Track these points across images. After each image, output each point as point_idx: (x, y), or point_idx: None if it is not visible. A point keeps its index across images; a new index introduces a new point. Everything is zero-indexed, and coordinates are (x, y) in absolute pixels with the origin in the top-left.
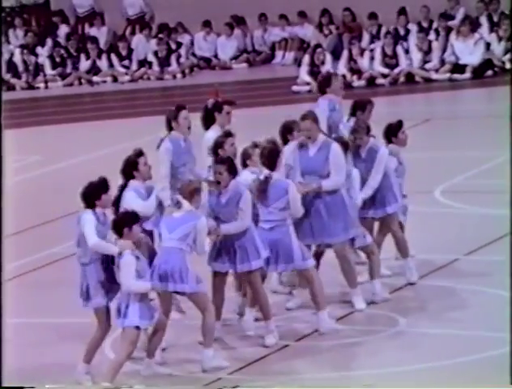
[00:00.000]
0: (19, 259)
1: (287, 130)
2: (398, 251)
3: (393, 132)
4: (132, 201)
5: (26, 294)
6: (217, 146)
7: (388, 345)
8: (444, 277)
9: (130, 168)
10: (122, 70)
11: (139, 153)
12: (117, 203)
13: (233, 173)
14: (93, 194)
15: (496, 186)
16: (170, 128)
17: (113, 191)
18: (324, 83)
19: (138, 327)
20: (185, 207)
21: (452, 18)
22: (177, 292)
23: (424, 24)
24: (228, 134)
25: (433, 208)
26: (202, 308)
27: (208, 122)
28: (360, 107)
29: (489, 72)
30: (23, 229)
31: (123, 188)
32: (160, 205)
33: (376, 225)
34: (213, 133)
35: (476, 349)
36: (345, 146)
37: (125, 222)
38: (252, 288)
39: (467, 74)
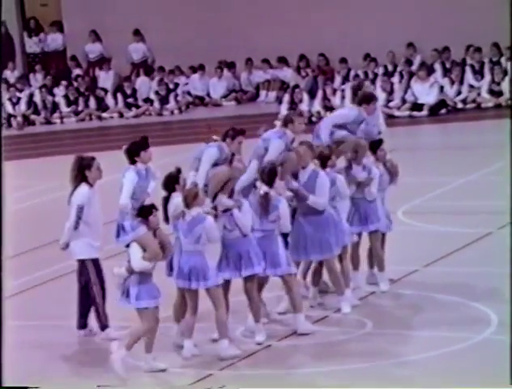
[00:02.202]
0: (42, 269)
1: None
2: (376, 265)
3: (373, 149)
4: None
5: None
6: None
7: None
8: (405, 286)
9: (172, 182)
10: (127, 107)
11: (179, 170)
12: (165, 212)
13: None
14: (133, 151)
15: (450, 207)
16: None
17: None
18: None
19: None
20: (192, 213)
21: (412, 63)
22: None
23: (390, 68)
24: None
25: (395, 226)
26: (217, 303)
27: None
28: None
29: (443, 110)
30: (45, 243)
31: (167, 199)
32: None
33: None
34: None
35: (435, 347)
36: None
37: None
38: (247, 293)
39: (425, 112)
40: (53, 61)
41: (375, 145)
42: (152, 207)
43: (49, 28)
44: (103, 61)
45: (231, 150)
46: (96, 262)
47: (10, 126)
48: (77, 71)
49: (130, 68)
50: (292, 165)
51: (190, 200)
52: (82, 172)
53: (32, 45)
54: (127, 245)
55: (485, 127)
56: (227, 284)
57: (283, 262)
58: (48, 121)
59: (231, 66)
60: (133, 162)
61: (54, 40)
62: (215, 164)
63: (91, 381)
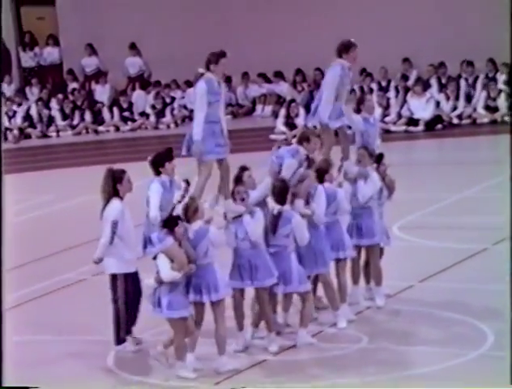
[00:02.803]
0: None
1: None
2: (373, 280)
3: (376, 161)
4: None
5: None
6: (237, 179)
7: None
8: (400, 301)
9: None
10: (123, 121)
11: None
12: None
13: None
14: (158, 162)
15: (445, 223)
16: None
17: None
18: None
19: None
20: (194, 228)
21: (408, 78)
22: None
23: (383, 83)
24: (244, 169)
25: (391, 241)
26: (220, 317)
27: None
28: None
29: (439, 126)
30: (39, 258)
31: None
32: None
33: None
34: None
35: (430, 363)
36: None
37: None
38: (258, 303)
39: (420, 127)
40: (49, 75)
41: (376, 160)
42: (178, 218)
43: (45, 42)
44: (99, 75)
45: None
46: (127, 277)
47: (6, 139)
48: (73, 85)
49: (127, 82)
50: (309, 184)
51: (191, 214)
52: (114, 185)
53: (28, 60)
54: (154, 257)
55: (481, 143)
56: (241, 293)
57: (294, 279)
58: (44, 135)
59: (227, 80)
60: (157, 173)
61: (51, 54)
62: None
63: (91, 380)
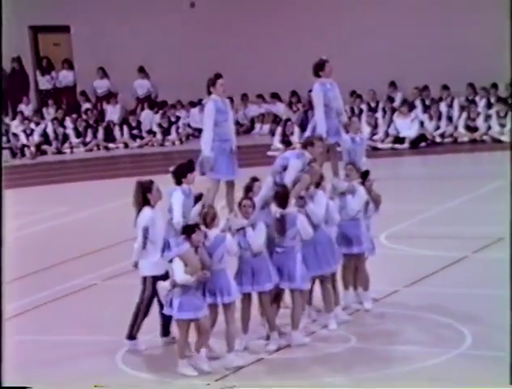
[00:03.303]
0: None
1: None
2: (361, 285)
3: (362, 178)
4: None
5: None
6: (248, 189)
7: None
8: (387, 305)
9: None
10: (132, 138)
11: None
12: None
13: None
14: (180, 173)
15: (428, 233)
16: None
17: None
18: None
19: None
20: (212, 235)
21: (394, 100)
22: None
23: (372, 105)
24: (254, 180)
25: (378, 250)
26: (231, 317)
27: None
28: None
29: (423, 144)
30: (52, 265)
31: None
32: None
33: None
34: None
35: (414, 361)
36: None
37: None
38: (261, 306)
39: (406, 145)
40: (64, 96)
41: (363, 176)
42: (196, 226)
43: (60, 66)
44: (110, 96)
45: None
46: (156, 279)
47: (23, 155)
48: (86, 105)
49: (136, 102)
50: (304, 185)
51: (209, 221)
52: (144, 195)
53: (45, 83)
54: (170, 261)
55: (461, 159)
56: (248, 297)
57: (297, 277)
58: (59, 151)
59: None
60: (179, 183)
61: (65, 77)
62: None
63: (89, 381)
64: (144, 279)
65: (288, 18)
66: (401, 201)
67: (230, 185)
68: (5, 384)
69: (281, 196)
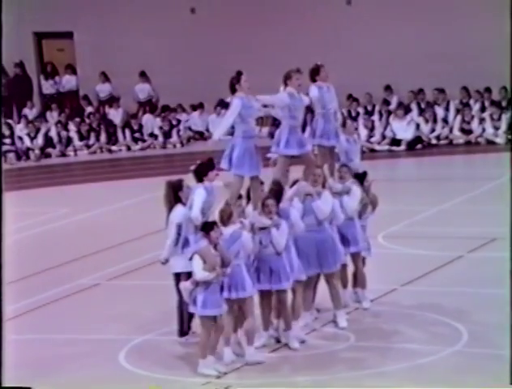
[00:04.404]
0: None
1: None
2: (359, 284)
3: (359, 180)
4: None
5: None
6: (273, 193)
7: (342, 356)
8: (384, 303)
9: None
10: (134, 141)
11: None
12: None
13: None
14: (202, 171)
15: (425, 233)
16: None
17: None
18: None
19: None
20: (229, 231)
21: (390, 103)
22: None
23: (369, 108)
24: (278, 184)
25: (376, 249)
26: (249, 312)
27: None
28: None
29: (419, 146)
30: (56, 265)
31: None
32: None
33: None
34: None
35: (411, 358)
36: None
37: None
38: (279, 304)
39: (402, 147)
40: (67, 101)
41: (361, 177)
42: (214, 224)
43: (63, 71)
44: (112, 100)
45: None
46: (189, 275)
47: (28, 158)
48: (89, 109)
49: (137, 106)
50: (300, 191)
51: (226, 219)
52: (175, 194)
53: (48, 87)
54: (190, 258)
55: (457, 161)
56: (267, 295)
57: (295, 269)
58: (62, 154)
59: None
60: (200, 180)
61: (69, 82)
62: None
63: (93, 381)
64: (177, 275)
65: (286, 23)
66: (398, 202)
67: (255, 181)
68: (5, 384)
69: (275, 193)
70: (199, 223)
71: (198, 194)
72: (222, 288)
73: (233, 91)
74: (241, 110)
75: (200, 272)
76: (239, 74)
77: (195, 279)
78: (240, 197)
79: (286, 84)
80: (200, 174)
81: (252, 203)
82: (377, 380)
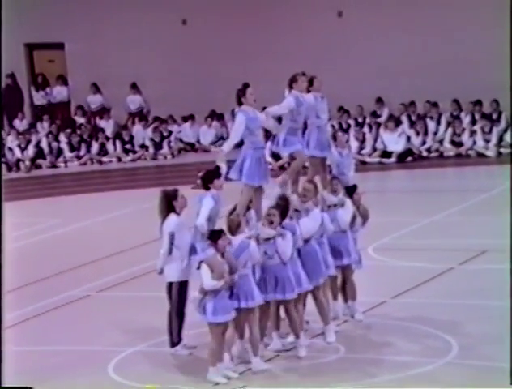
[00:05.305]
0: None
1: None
2: (350, 296)
3: (349, 193)
4: None
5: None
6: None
7: (332, 368)
8: (374, 315)
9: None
10: (125, 152)
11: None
12: None
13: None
14: (207, 178)
15: (416, 245)
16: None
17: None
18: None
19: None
20: (237, 241)
21: (379, 116)
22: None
23: (360, 120)
24: (285, 198)
25: (366, 261)
26: (254, 322)
27: None
28: None
29: (410, 158)
30: (47, 276)
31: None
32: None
33: None
34: None
35: (401, 370)
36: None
37: (216, 234)
38: (286, 313)
39: (393, 159)
40: (58, 112)
41: (351, 190)
42: (221, 232)
43: (54, 82)
44: (103, 111)
45: None
46: (182, 285)
47: (18, 169)
48: (80, 120)
49: (127, 117)
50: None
51: (234, 228)
52: (169, 203)
53: (40, 98)
54: (198, 267)
55: (447, 173)
56: (267, 305)
57: (303, 280)
58: (53, 165)
59: (220, 117)
60: (207, 188)
61: (60, 93)
62: None
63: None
64: (170, 285)
65: (278, 35)
66: (388, 214)
67: (259, 191)
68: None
69: (282, 209)
70: (205, 231)
71: (205, 203)
72: (230, 297)
73: (240, 103)
74: (248, 123)
75: (209, 281)
76: (245, 86)
77: (204, 289)
78: (248, 208)
79: (291, 87)
80: (206, 182)
81: (254, 211)
82: None
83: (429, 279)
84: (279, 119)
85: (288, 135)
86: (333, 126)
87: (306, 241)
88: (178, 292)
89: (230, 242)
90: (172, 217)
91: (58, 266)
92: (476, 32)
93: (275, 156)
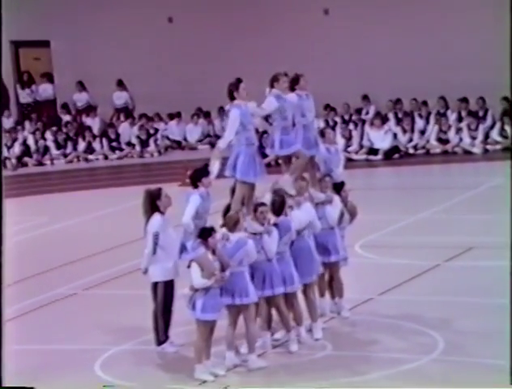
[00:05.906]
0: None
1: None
2: (336, 293)
3: (337, 190)
4: None
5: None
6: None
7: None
8: (361, 312)
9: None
10: (111, 150)
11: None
12: None
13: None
14: (196, 177)
15: (402, 242)
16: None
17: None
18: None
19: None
20: (234, 238)
21: (366, 113)
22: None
23: (346, 117)
24: (282, 197)
25: (353, 259)
26: (250, 319)
27: None
28: None
29: (396, 155)
30: (34, 274)
31: None
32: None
33: None
34: None
35: (387, 367)
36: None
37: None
38: (276, 309)
39: (380, 156)
40: (44, 110)
41: (339, 187)
42: (211, 230)
43: (40, 80)
44: (89, 109)
45: None
46: (168, 284)
47: (5, 167)
48: (66, 118)
49: (113, 112)
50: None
51: (232, 225)
52: (153, 202)
53: (25, 96)
54: (188, 266)
55: (434, 171)
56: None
57: (296, 279)
58: (39, 163)
59: (206, 114)
60: (195, 186)
61: (46, 91)
62: None
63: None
64: (155, 284)
65: (264, 33)
66: (375, 211)
67: (251, 188)
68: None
69: (279, 205)
70: (191, 230)
71: (192, 201)
72: (221, 294)
73: (232, 98)
74: (241, 118)
75: (198, 279)
76: (238, 81)
77: (194, 287)
78: (242, 204)
79: (272, 86)
80: (194, 180)
81: (246, 208)
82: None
83: (416, 276)
84: (266, 118)
85: (282, 136)
86: (326, 122)
87: (298, 233)
88: (164, 292)
89: (228, 238)
90: (156, 217)
91: (44, 264)
92: (463, 31)
93: (262, 155)
